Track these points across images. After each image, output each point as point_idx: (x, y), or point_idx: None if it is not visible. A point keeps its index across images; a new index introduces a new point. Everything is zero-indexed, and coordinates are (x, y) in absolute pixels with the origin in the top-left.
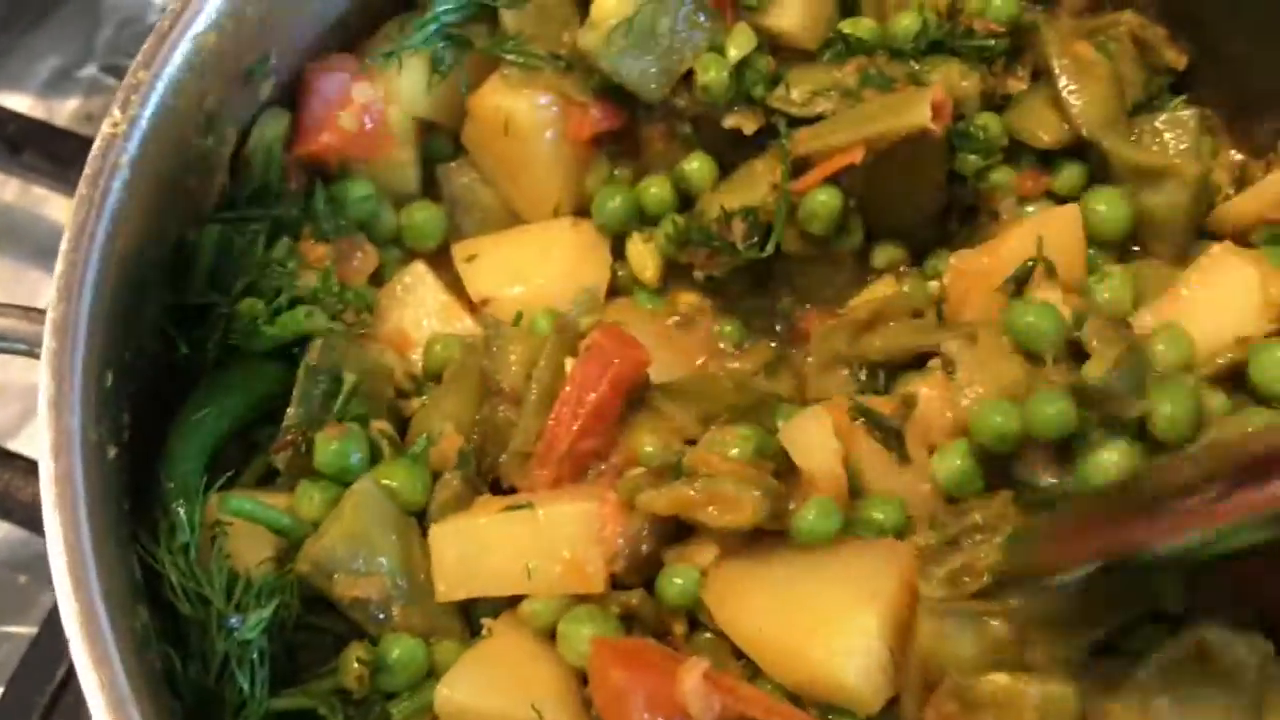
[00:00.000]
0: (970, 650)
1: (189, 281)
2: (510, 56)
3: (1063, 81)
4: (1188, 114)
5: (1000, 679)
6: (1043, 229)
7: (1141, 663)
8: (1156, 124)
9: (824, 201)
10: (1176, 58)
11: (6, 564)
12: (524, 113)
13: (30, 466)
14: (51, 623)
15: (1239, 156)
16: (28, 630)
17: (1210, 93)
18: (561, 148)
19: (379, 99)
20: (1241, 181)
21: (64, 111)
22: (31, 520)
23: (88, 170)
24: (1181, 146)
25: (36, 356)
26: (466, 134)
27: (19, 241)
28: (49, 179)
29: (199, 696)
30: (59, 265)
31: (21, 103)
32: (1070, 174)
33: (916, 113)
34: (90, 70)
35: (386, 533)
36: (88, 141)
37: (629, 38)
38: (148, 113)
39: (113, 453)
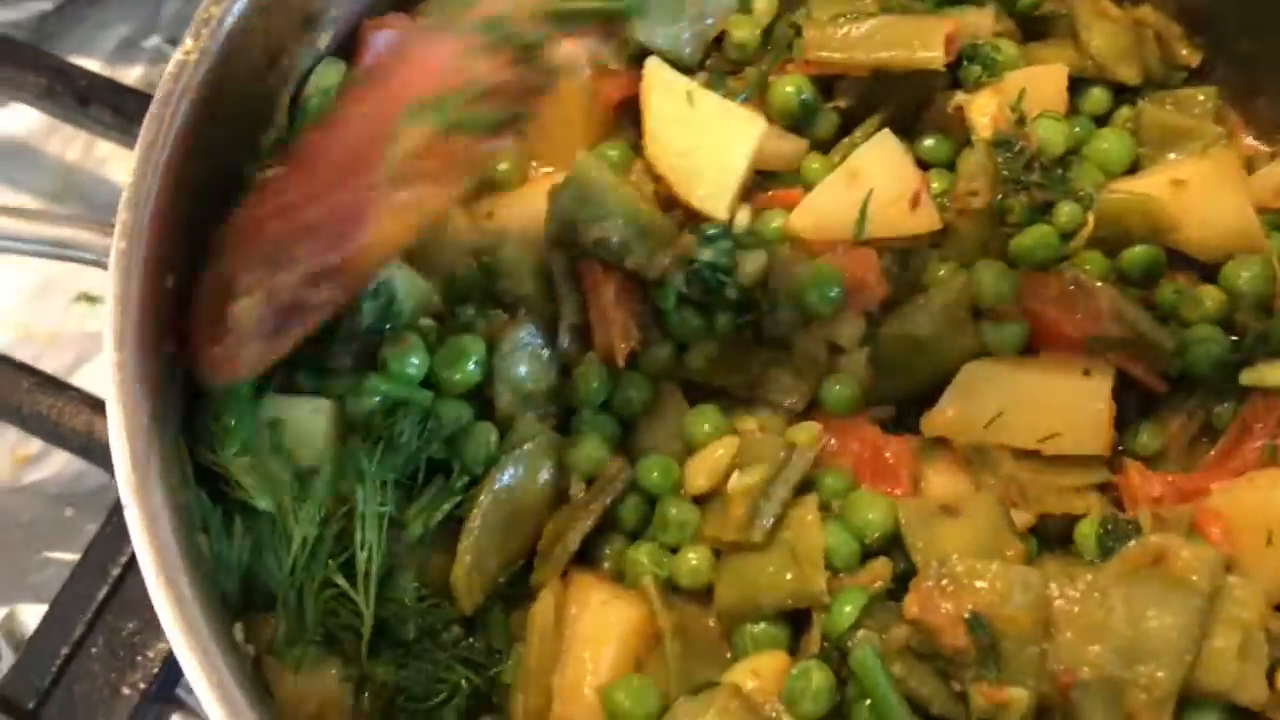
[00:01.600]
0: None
1: None
2: None
3: (1083, 21)
4: (1204, 92)
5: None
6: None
7: (1102, 561)
8: (1174, 95)
9: (788, 93)
10: (1191, 54)
11: (58, 497)
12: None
13: (85, 398)
14: (94, 549)
15: (1250, 141)
16: (71, 557)
17: (1223, 90)
18: (593, 109)
19: None
20: (1249, 170)
21: (129, 78)
22: (86, 450)
23: (160, 92)
24: (1198, 113)
25: (104, 267)
26: None
27: (81, 200)
28: (115, 133)
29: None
30: (130, 177)
31: (89, 69)
32: (1097, 95)
33: (930, 51)
34: (155, 41)
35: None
36: (149, 98)
37: (660, 7)
38: (217, 45)
39: (169, 347)
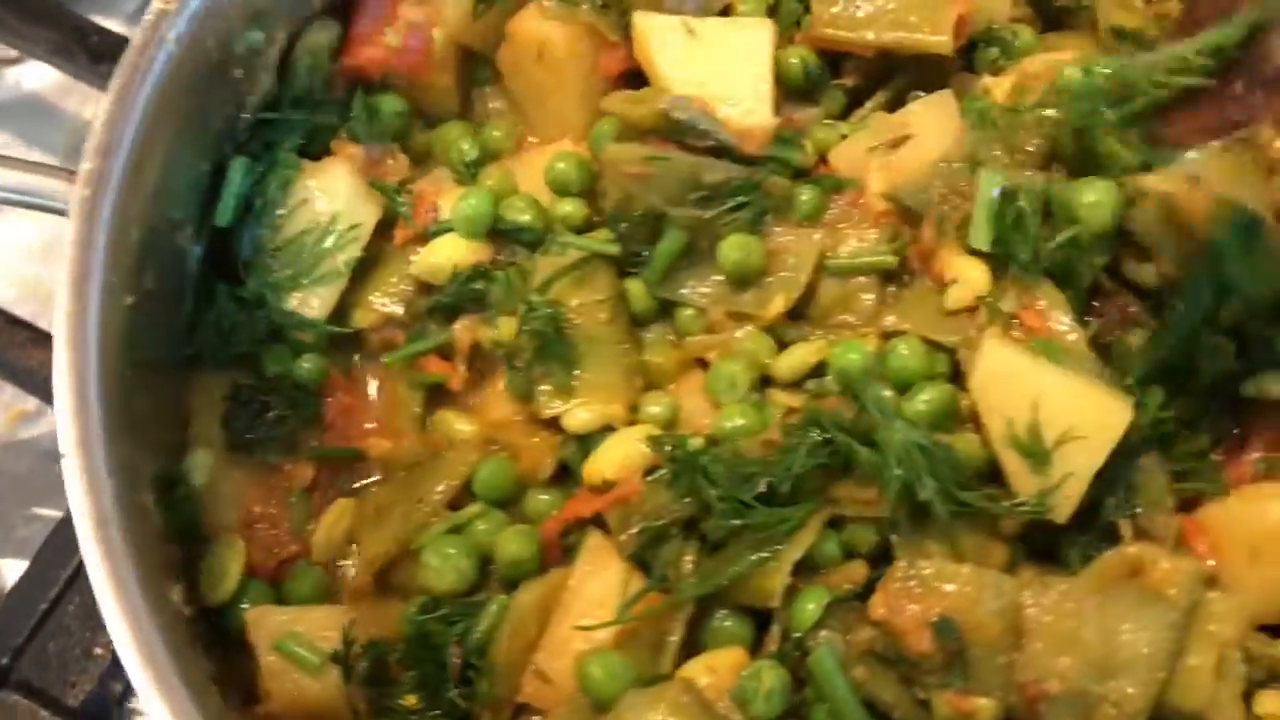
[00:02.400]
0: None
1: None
2: None
3: (1104, 12)
4: None
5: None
6: None
7: (1077, 570)
8: None
9: (793, 63)
10: None
11: (50, 453)
12: (559, 42)
13: None
14: None
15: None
16: (56, 513)
17: None
18: (591, 80)
19: (426, 20)
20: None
21: None
22: None
23: (135, 41)
24: None
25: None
26: (501, 56)
27: None
28: None
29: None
30: (97, 125)
31: (110, 28)
32: None
33: (939, 34)
34: None
35: None
36: None
37: None
38: None
39: (128, 300)
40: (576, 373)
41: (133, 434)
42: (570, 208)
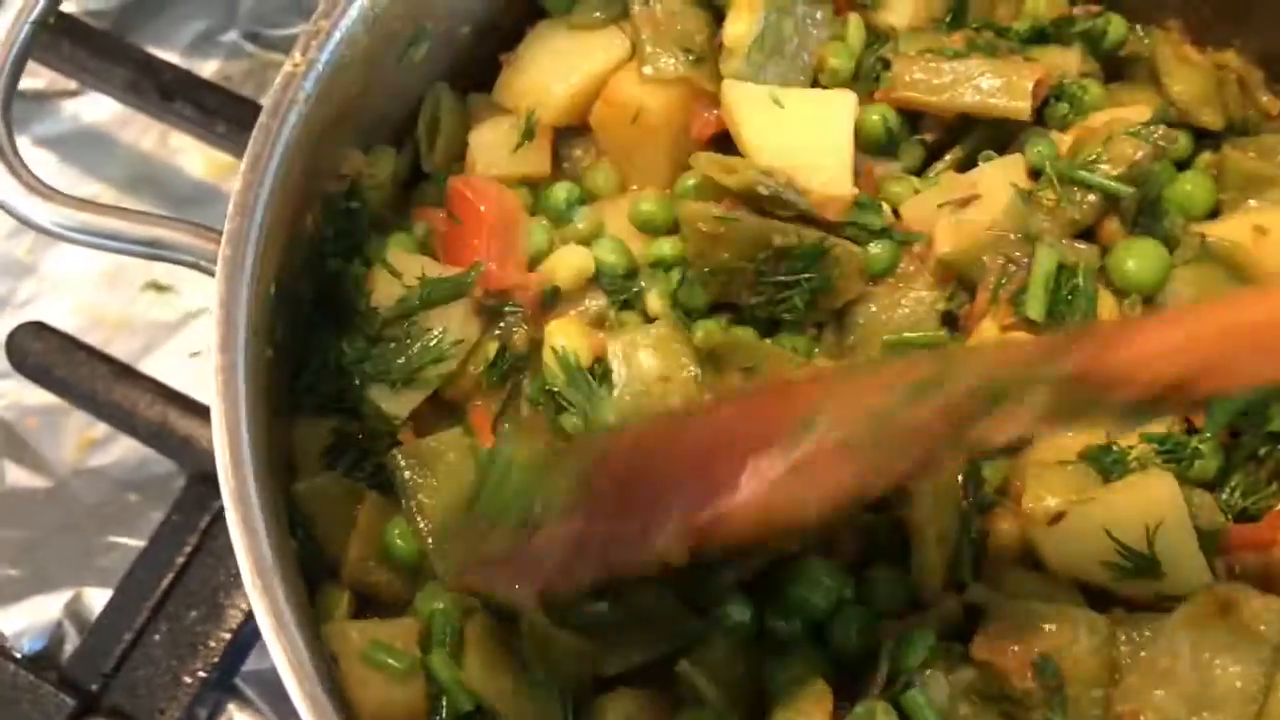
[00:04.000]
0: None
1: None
2: (649, 49)
3: (1165, 66)
4: None
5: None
6: None
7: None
8: (1257, 141)
9: (874, 120)
10: (1272, 102)
11: (120, 483)
12: (655, 109)
13: (157, 387)
14: (159, 537)
15: None
16: (135, 543)
17: None
18: (680, 141)
19: None
20: None
21: (205, 72)
22: (157, 439)
23: (268, 103)
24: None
25: (201, 269)
26: (596, 112)
27: (156, 190)
28: (192, 126)
29: None
30: (237, 185)
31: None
32: (1179, 140)
33: (1017, 100)
34: (232, 36)
35: None
36: (231, 96)
37: (764, 51)
38: (324, 58)
39: (268, 354)
40: None
41: (274, 481)
42: (668, 246)
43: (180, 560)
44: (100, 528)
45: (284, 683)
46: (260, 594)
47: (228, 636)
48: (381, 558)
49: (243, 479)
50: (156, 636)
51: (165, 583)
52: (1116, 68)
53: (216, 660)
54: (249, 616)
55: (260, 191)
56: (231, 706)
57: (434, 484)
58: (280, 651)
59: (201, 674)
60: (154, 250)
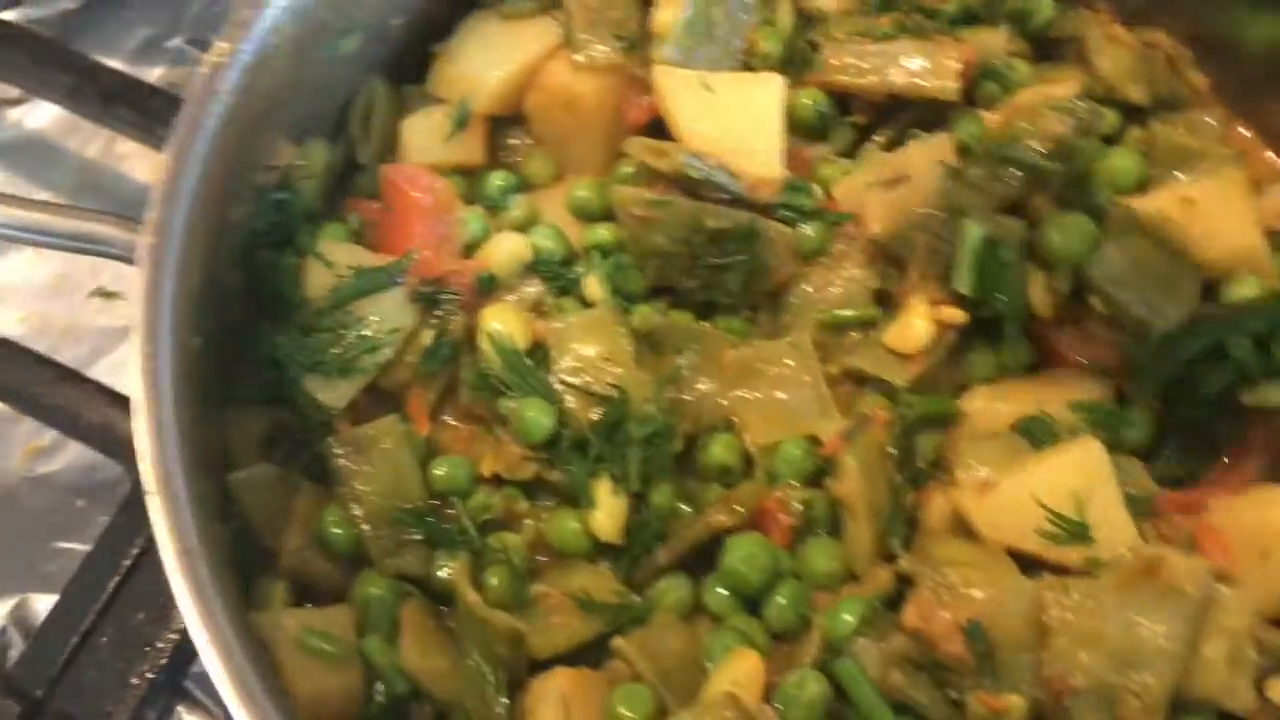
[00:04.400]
0: None
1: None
2: (581, 36)
3: (1093, 45)
4: (1214, 115)
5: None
6: None
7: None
8: (1185, 117)
9: (805, 103)
10: (1201, 79)
11: (68, 487)
12: (587, 94)
13: (104, 392)
14: (105, 540)
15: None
16: (82, 547)
17: (1236, 110)
18: (614, 128)
19: None
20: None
21: (150, 78)
22: (103, 443)
23: (191, 93)
24: (1207, 135)
25: (129, 261)
26: (530, 100)
27: (103, 197)
28: (137, 131)
29: None
30: (161, 175)
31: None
32: (1107, 115)
33: (945, 80)
34: (177, 42)
35: None
36: (174, 100)
37: (693, 36)
38: (249, 48)
39: (197, 343)
40: None
41: (205, 469)
42: (605, 232)
43: (126, 563)
44: (48, 534)
45: (207, 668)
46: (183, 577)
47: (175, 638)
48: (318, 547)
49: (163, 465)
50: (104, 639)
51: (111, 585)
52: (1046, 49)
53: (164, 662)
54: None
55: (184, 182)
56: (180, 709)
57: (369, 470)
58: (202, 632)
59: (149, 675)
60: (81, 244)
